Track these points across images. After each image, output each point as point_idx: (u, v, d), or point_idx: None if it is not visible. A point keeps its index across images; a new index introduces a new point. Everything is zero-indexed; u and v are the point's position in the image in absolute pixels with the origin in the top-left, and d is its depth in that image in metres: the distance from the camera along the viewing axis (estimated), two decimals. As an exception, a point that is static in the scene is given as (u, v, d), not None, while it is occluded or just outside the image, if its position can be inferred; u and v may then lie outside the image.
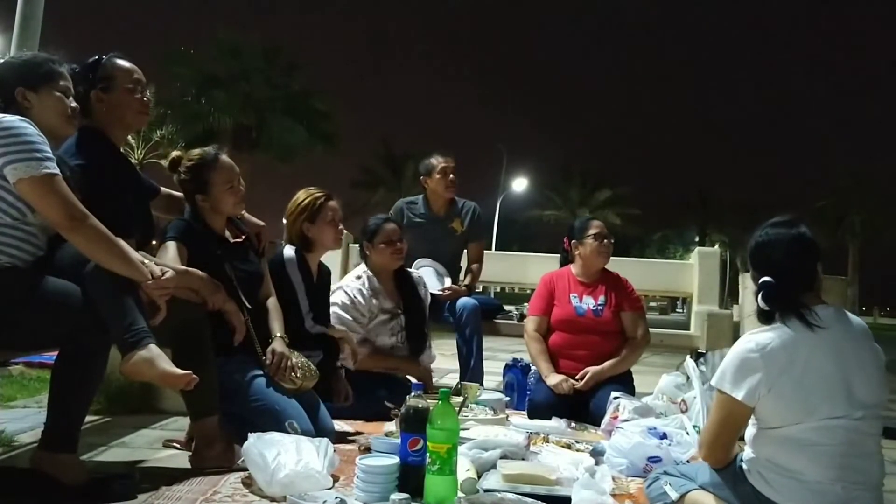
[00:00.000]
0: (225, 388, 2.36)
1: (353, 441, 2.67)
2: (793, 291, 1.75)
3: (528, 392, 3.57)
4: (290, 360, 2.55)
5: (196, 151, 2.63)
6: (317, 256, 3.14)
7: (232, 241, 2.65)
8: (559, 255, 3.80)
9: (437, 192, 4.15)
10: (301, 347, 2.71)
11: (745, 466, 1.77)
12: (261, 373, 2.51)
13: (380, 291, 3.40)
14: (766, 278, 1.76)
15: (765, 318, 1.78)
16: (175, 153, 2.66)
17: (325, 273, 3.22)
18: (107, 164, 2.28)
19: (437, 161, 4.14)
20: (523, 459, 2.32)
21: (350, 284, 3.36)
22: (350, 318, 3.27)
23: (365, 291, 3.36)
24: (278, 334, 2.62)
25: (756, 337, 1.73)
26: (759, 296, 1.76)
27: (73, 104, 2.11)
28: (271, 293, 2.77)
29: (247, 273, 2.62)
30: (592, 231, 3.50)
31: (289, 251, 3.06)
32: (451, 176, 4.13)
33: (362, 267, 3.49)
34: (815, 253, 1.81)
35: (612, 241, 3.56)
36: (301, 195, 3.13)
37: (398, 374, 3.39)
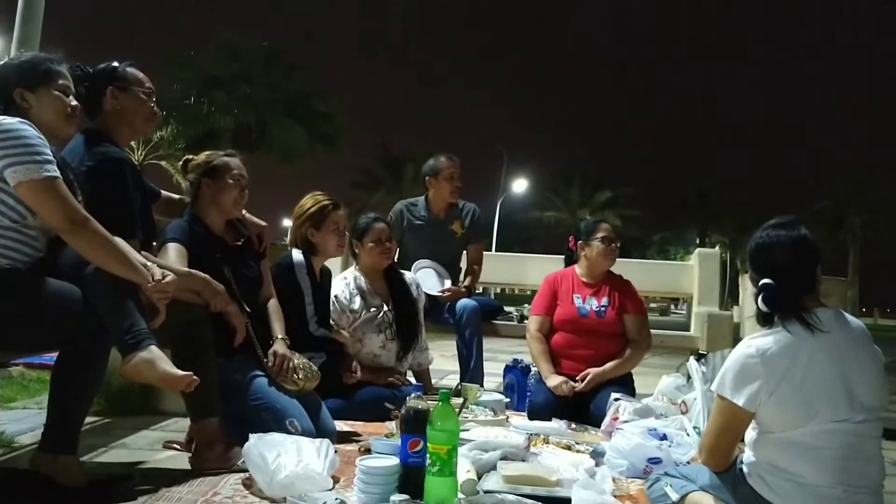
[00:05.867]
0: (226, 387, 2.36)
1: (353, 442, 2.67)
2: (793, 294, 1.74)
3: (529, 393, 3.56)
4: (291, 362, 2.55)
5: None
6: (320, 261, 3.16)
7: (231, 244, 2.65)
8: (563, 256, 3.82)
9: (440, 194, 4.15)
10: (304, 349, 2.72)
11: (745, 469, 1.77)
12: (261, 373, 2.51)
13: (367, 290, 3.39)
14: (767, 280, 1.76)
15: (764, 320, 1.77)
16: (190, 156, 2.72)
17: (326, 276, 3.23)
18: (113, 166, 2.27)
19: (444, 164, 4.12)
20: (523, 461, 2.32)
21: (335, 286, 3.35)
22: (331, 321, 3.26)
23: (347, 292, 3.35)
24: (279, 336, 2.63)
25: (756, 342, 1.72)
26: (760, 298, 1.75)
27: (74, 102, 2.10)
28: (272, 295, 2.77)
29: (246, 276, 2.62)
30: (601, 234, 3.51)
31: (297, 255, 3.07)
32: (457, 183, 4.13)
33: (351, 269, 3.49)
34: (816, 255, 1.80)
35: (619, 244, 3.57)
36: (308, 201, 3.14)
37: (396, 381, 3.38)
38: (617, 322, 3.44)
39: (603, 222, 3.67)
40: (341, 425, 2.84)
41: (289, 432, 2.29)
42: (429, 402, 2.00)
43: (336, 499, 1.84)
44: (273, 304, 2.75)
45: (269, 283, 2.79)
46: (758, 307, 1.76)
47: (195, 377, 1.98)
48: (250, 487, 2.04)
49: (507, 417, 3.11)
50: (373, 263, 3.41)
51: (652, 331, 3.59)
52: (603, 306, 3.45)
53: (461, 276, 4.20)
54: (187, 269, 2.33)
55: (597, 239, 3.51)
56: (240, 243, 2.68)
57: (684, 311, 28.21)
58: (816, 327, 1.68)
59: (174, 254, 2.40)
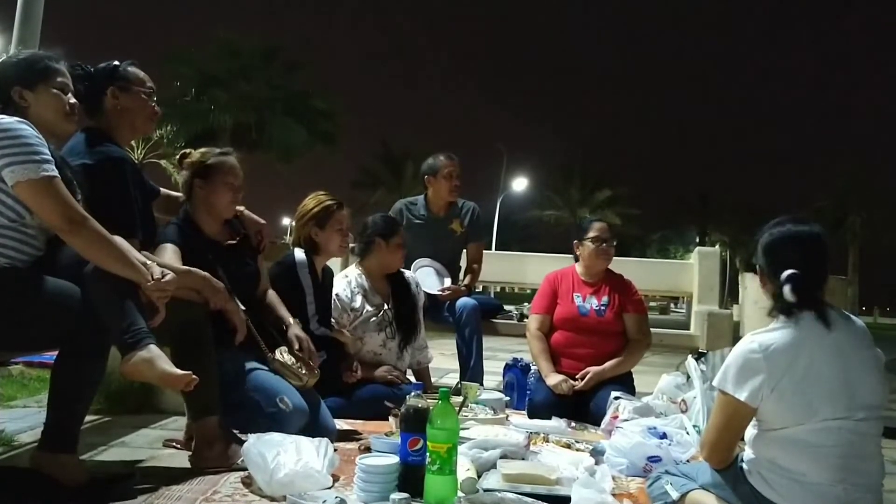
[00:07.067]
0: (224, 378, 2.36)
1: (353, 441, 2.67)
2: (815, 286, 1.75)
3: (528, 392, 3.57)
4: (310, 342, 2.62)
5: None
6: (322, 260, 3.17)
7: (226, 243, 2.64)
8: (563, 255, 3.83)
9: (439, 193, 4.15)
10: None
11: (745, 467, 1.77)
12: (262, 366, 2.52)
13: (368, 289, 3.39)
14: (792, 270, 1.73)
15: (787, 311, 1.73)
16: (187, 150, 2.71)
17: (328, 275, 3.24)
18: (114, 165, 2.27)
19: (443, 163, 4.12)
20: (523, 459, 2.32)
21: (336, 284, 3.35)
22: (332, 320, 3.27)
23: (349, 290, 3.35)
24: (292, 320, 2.65)
25: (759, 337, 1.72)
26: (787, 288, 1.71)
27: (72, 100, 2.09)
28: (268, 286, 2.78)
29: (242, 274, 2.62)
30: (592, 234, 3.51)
31: (300, 254, 3.08)
32: (457, 182, 4.13)
33: (351, 268, 3.49)
34: (828, 253, 1.82)
35: (615, 243, 3.57)
36: (312, 201, 3.14)
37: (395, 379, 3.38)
38: (617, 321, 3.45)
39: (596, 221, 3.66)
40: (341, 424, 2.84)
41: (280, 409, 2.30)
42: (429, 400, 2.01)
43: (336, 497, 1.84)
44: (272, 295, 2.76)
45: (265, 276, 2.80)
46: (781, 298, 1.73)
47: (195, 376, 1.98)
48: (250, 486, 2.04)
49: (507, 416, 3.11)
50: (390, 264, 3.44)
51: (652, 329, 3.60)
52: (603, 305, 3.46)
53: (461, 275, 4.20)
54: (186, 267, 2.33)
55: (588, 239, 3.51)
56: (234, 241, 2.67)
57: (684, 310, 28.23)
58: (831, 322, 1.69)
59: (170, 253, 2.41)
